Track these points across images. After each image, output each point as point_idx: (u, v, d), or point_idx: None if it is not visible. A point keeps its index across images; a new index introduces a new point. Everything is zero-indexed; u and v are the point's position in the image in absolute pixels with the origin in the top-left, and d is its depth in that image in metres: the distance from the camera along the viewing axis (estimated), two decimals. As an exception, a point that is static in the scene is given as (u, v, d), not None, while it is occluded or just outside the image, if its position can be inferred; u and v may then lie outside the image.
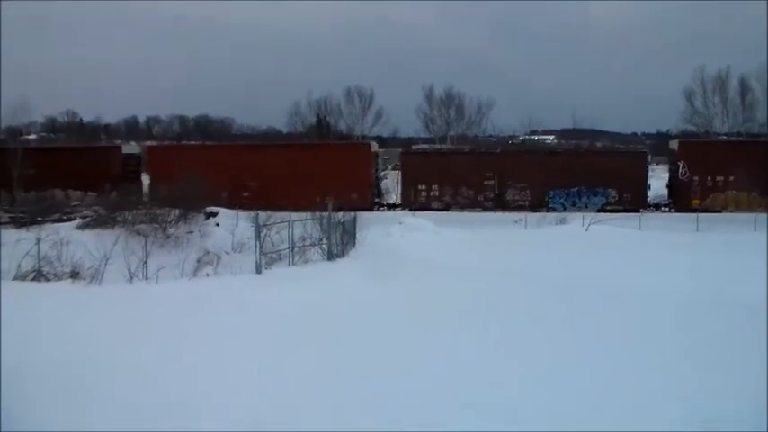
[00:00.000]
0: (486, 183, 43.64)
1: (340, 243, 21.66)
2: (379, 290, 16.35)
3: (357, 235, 23.27)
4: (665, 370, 10.36)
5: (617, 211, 37.96)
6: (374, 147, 48.04)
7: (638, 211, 38.23)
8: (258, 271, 18.50)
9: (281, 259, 20.35)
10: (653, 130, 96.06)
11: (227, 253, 22.28)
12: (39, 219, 28.49)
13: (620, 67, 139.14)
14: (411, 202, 43.46)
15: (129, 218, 25.43)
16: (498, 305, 15.05)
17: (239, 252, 22.21)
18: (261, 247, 19.17)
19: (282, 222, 21.39)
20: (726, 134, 66.42)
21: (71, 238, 19.65)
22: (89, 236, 22.21)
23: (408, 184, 44.40)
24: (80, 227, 25.89)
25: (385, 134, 73.05)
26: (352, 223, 23.12)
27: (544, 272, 19.34)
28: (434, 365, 10.67)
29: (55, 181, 43.50)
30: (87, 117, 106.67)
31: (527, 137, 73.24)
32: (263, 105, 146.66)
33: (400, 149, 57.21)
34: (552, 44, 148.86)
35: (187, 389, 9.44)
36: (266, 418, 8.42)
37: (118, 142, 71.07)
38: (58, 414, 8.32)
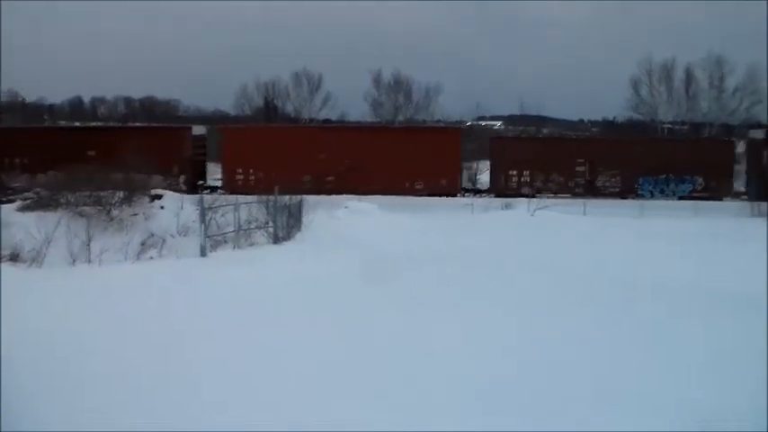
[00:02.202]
0: (577, 169, 43.40)
1: (286, 226, 21.68)
2: (321, 271, 16.43)
3: (303, 219, 23.30)
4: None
5: (703, 199, 37.74)
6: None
7: (721, 199, 38.22)
8: (203, 254, 18.45)
9: (226, 242, 20.28)
10: (599, 118, 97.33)
11: (173, 236, 22.14)
12: None
13: (566, 54, 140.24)
14: (501, 188, 42.82)
15: (72, 199, 25.06)
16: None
17: (184, 235, 22.10)
18: (206, 231, 19.10)
19: (228, 205, 21.31)
20: (671, 123, 67.62)
21: (11, 220, 19.34)
22: (30, 218, 21.86)
23: (498, 170, 43.79)
24: (21, 208, 25.44)
25: (333, 117, 72.88)
26: (297, 207, 23.14)
27: (473, 252, 19.82)
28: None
29: (117, 163, 41.14)
30: (30, 97, 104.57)
31: (475, 122, 73.62)
32: (210, 87, 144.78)
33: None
34: (500, 30, 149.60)
35: (136, 374, 9.43)
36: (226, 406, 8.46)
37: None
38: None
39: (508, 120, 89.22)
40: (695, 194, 41.27)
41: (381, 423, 8.12)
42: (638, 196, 40.83)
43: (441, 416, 8.31)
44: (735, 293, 14.13)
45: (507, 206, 32.56)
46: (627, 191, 42.39)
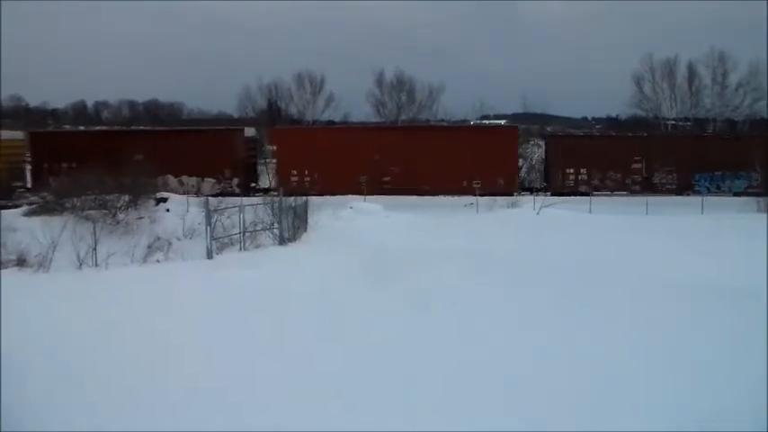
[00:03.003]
0: (633, 166, 42.74)
1: (291, 227, 21.68)
2: (326, 273, 16.44)
3: (308, 219, 23.29)
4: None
5: (758, 195, 37.18)
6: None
7: None
8: (209, 256, 18.48)
9: (232, 244, 20.30)
10: (603, 115, 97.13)
11: (179, 239, 22.14)
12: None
13: (569, 52, 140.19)
14: (559, 185, 42.20)
15: (78, 204, 25.09)
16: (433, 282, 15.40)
17: (190, 238, 22.09)
18: (212, 233, 19.13)
19: (233, 207, 21.32)
20: (674, 119, 67.42)
21: (17, 225, 19.36)
22: (36, 222, 21.89)
23: (555, 168, 43.24)
24: (27, 213, 25.50)
25: (336, 119, 72.81)
26: (303, 208, 23.13)
27: (484, 251, 19.78)
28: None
29: (167, 167, 41.06)
30: (33, 102, 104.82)
31: (478, 121, 73.46)
32: (213, 90, 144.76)
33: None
34: (502, 28, 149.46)
35: (143, 376, 9.46)
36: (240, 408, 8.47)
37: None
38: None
39: (512, 118, 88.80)
40: (750, 190, 40.70)
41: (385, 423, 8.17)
42: (694, 193, 40.40)
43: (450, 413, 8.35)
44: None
45: (513, 204, 32.55)
46: (684, 187, 42.05)
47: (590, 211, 30.96)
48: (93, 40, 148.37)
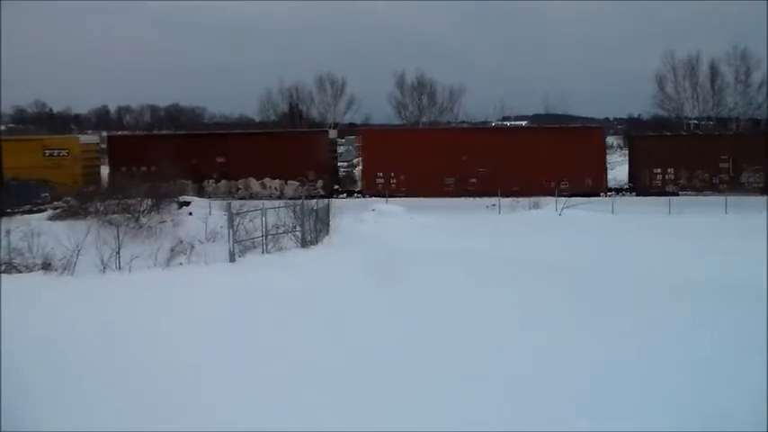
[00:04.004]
0: (721, 165, 41.93)
1: (313, 230, 21.69)
2: (355, 277, 16.46)
3: (330, 222, 23.30)
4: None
5: None
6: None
7: None
8: (232, 259, 18.54)
9: (254, 247, 20.34)
10: (624, 115, 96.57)
11: (201, 242, 22.20)
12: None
13: (586, 51, 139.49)
14: (645, 186, 41.79)
15: (101, 208, 25.22)
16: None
17: (213, 241, 22.14)
18: (234, 236, 19.19)
19: (256, 210, 21.37)
20: (696, 119, 66.88)
21: (42, 230, 19.48)
22: (60, 227, 22.01)
23: (642, 168, 42.58)
24: (51, 218, 25.65)
25: (358, 121, 72.90)
26: (325, 210, 23.14)
27: (503, 253, 19.92)
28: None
29: (249, 169, 41.51)
30: (57, 107, 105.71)
31: (499, 122, 73.28)
32: (234, 94, 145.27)
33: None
34: (522, 29, 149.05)
35: (168, 381, 9.51)
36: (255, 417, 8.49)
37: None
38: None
39: (533, 119, 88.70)
40: None
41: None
42: None
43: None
44: None
45: (535, 206, 32.41)
46: None
47: (612, 212, 30.76)
48: (114, 46, 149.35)
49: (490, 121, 68.80)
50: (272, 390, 9.22)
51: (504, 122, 73.57)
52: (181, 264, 18.38)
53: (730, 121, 64.51)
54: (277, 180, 41.57)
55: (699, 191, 41.18)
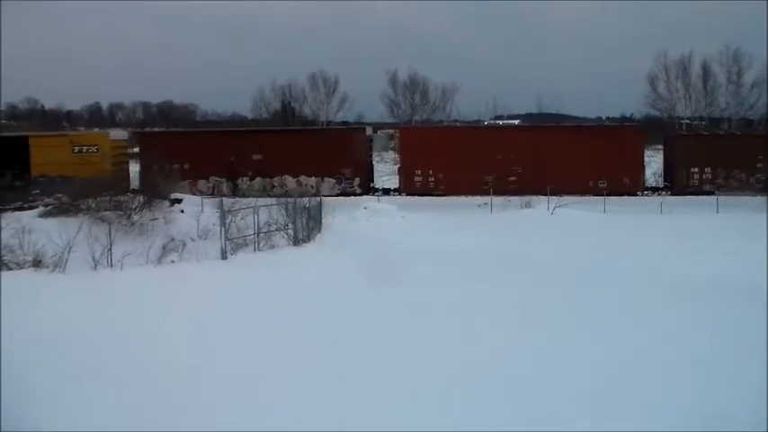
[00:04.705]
0: (758, 165, 41.48)
1: (306, 228, 21.68)
2: (347, 275, 16.47)
3: (322, 220, 23.29)
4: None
5: None
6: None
7: None
8: (224, 257, 18.52)
9: (246, 245, 20.31)
10: (617, 114, 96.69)
11: (193, 240, 22.13)
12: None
13: (583, 51, 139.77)
14: (682, 185, 41.40)
15: (93, 205, 25.10)
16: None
17: (205, 239, 22.08)
18: (226, 233, 19.16)
19: (248, 208, 21.34)
20: (689, 119, 67.03)
21: (33, 226, 19.40)
22: (52, 224, 21.93)
23: (679, 168, 42.15)
24: (42, 215, 25.52)
25: (350, 119, 72.93)
26: (317, 208, 23.13)
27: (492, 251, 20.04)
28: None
29: (286, 167, 40.85)
30: (48, 104, 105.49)
31: (492, 121, 73.36)
32: (226, 91, 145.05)
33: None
34: (515, 28, 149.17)
35: (163, 379, 9.50)
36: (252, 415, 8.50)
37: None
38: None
39: (526, 118, 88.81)
40: None
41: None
42: None
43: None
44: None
45: (527, 205, 32.45)
46: None
47: (604, 211, 30.81)
48: (107, 43, 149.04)
49: (483, 120, 68.88)
50: (267, 388, 9.22)
51: (497, 121, 73.67)
52: (173, 261, 18.34)
53: (722, 121, 64.69)
54: (313, 177, 40.97)
55: (736, 191, 40.46)
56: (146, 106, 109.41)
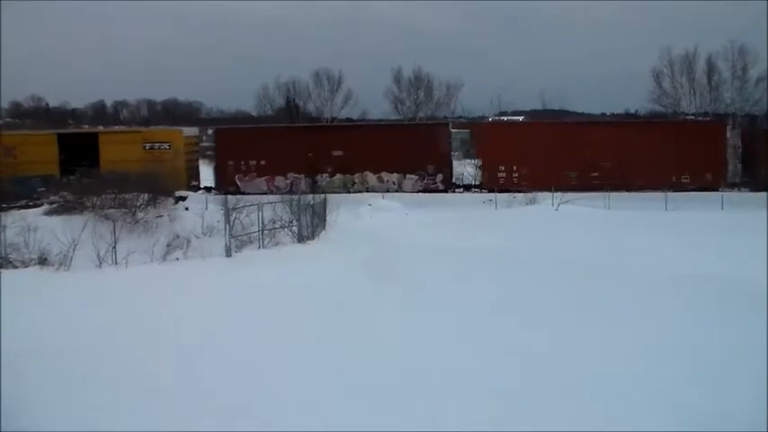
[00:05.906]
0: None
1: (310, 225, 21.70)
2: (352, 272, 16.50)
3: (327, 217, 23.32)
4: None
5: None
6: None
7: None
8: (228, 254, 18.54)
9: (251, 242, 20.34)
10: (621, 110, 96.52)
11: (197, 237, 22.18)
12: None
13: (586, 47, 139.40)
14: (764, 180, 38.99)
15: (98, 203, 25.17)
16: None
17: (209, 236, 22.12)
18: (230, 231, 19.19)
19: (252, 205, 21.36)
20: (693, 114, 66.79)
21: (38, 224, 19.46)
22: (56, 222, 22.00)
23: (756, 163, 40.68)
24: (47, 213, 25.63)
25: (354, 116, 72.83)
26: (321, 205, 23.15)
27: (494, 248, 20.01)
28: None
29: (367, 163, 39.99)
30: (53, 102, 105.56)
31: (496, 117, 73.30)
32: (231, 88, 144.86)
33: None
34: (518, 25, 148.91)
35: (167, 377, 9.52)
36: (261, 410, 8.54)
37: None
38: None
39: (530, 114, 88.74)
40: None
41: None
42: None
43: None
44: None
45: (531, 201, 32.50)
46: None
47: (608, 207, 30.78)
48: (111, 40, 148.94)
49: (487, 117, 68.79)
50: (271, 385, 9.23)
51: (501, 117, 73.60)
52: (177, 259, 18.38)
53: (727, 117, 64.43)
54: (395, 174, 40.26)
55: None
56: (150, 104, 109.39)
